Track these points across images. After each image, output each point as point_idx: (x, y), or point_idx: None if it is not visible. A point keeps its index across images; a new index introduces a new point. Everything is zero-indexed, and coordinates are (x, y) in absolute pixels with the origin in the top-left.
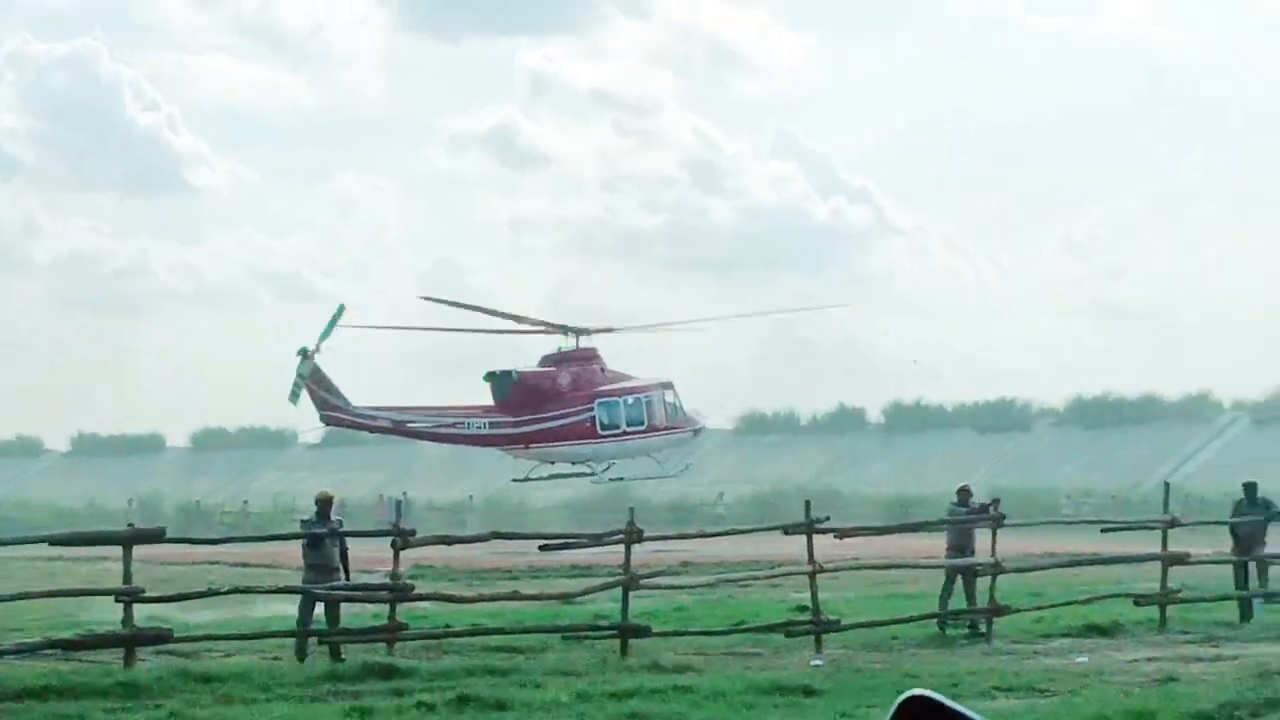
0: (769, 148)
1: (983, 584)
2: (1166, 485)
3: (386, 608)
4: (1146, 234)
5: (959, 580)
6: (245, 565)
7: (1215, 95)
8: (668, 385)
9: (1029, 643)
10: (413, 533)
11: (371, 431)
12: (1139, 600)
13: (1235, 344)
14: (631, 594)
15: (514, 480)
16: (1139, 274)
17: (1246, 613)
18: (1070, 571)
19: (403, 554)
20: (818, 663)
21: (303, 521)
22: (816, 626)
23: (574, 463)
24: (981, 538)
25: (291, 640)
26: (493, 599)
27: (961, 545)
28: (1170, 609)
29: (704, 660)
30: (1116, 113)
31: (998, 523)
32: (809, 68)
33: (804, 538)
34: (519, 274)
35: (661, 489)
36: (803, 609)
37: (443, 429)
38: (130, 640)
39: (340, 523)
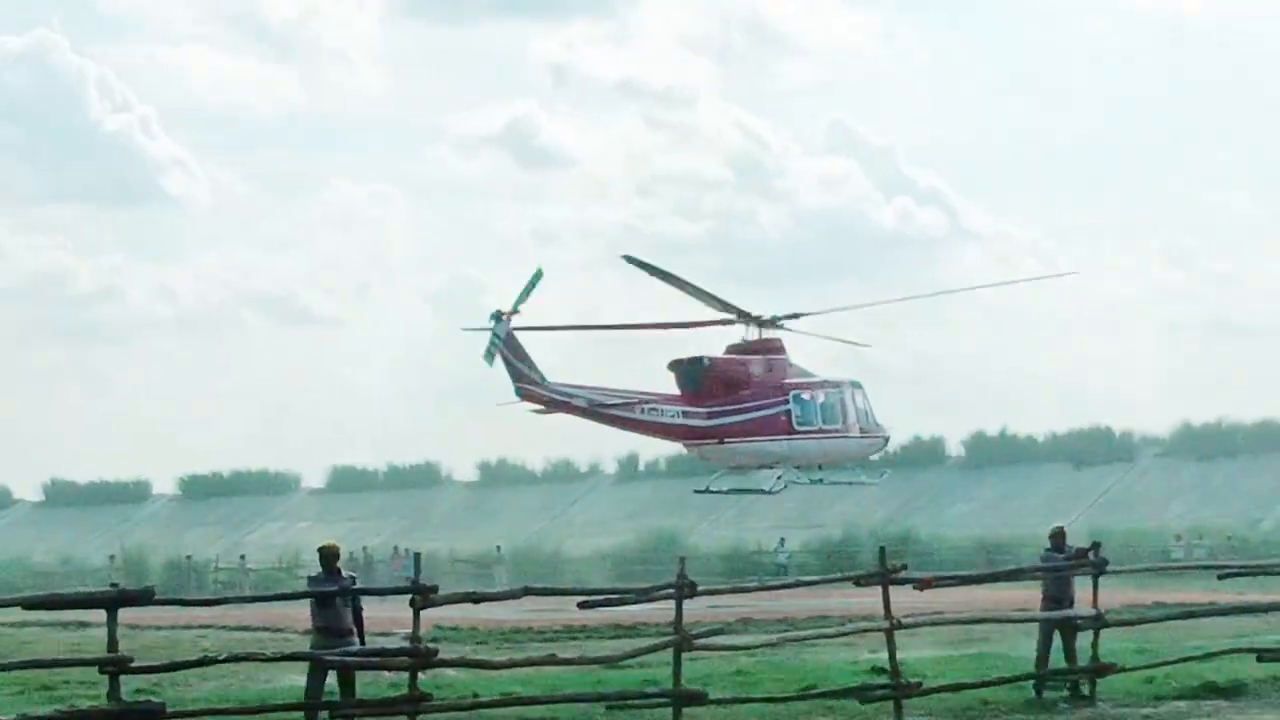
0: (823, 142)
1: (1084, 639)
2: None
3: (406, 676)
4: (1260, 240)
5: (1057, 636)
6: (244, 629)
7: None
8: (858, 385)
9: (1138, 706)
10: (435, 589)
11: (566, 411)
12: (1263, 655)
13: None
14: (684, 656)
15: (695, 491)
16: (1252, 285)
17: None
18: (1183, 624)
19: (424, 614)
20: None
21: (309, 578)
22: (896, 690)
23: (766, 464)
24: (1081, 587)
25: (299, 714)
26: (527, 664)
27: (1058, 596)
28: None
29: None
30: (1226, 102)
31: (1099, 569)
32: (868, 50)
33: (878, 589)
34: (544, 290)
35: (715, 535)
36: (879, 670)
37: (639, 414)
38: (117, 717)
39: (353, 579)
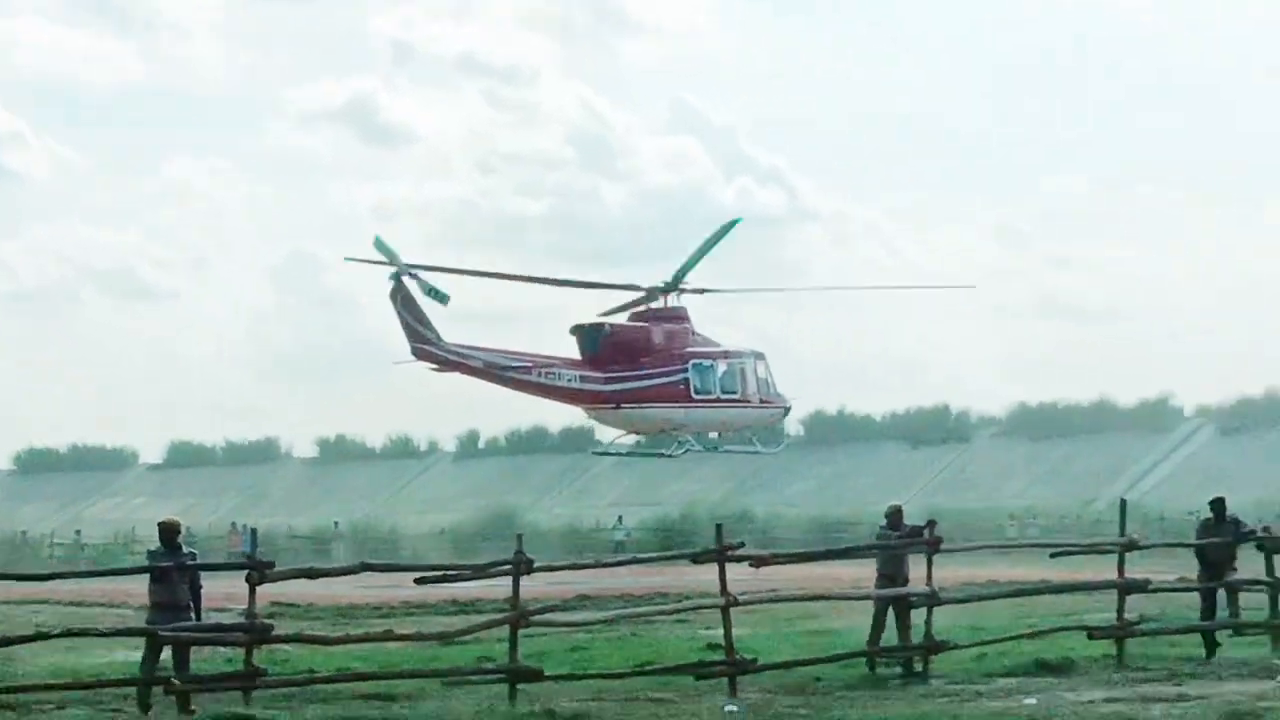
0: (665, 121)
1: (917, 617)
2: (1123, 502)
3: (242, 651)
4: (1094, 222)
5: (890, 613)
6: (79, 604)
7: (1167, 69)
8: (760, 355)
9: (970, 683)
10: (271, 565)
11: (462, 372)
12: (1093, 633)
13: (1196, 344)
14: (521, 632)
15: (594, 453)
16: (1086, 267)
17: (1214, 646)
18: (1016, 602)
19: (260, 589)
20: (732, 708)
21: (148, 553)
22: (731, 667)
23: (665, 430)
24: (916, 565)
25: (133, 690)
26: (363, 640)
27: (893, 573)
28: (1128, 643)
29: (604, 706)
30: (1061, 86)
31: (934, 547)
32: (709, 29)
33: (715, 567)
34: (380, 267)
35: (553, 513)
36: (715, 648)
37: (536, 377)
38: None
39: (192, 555)
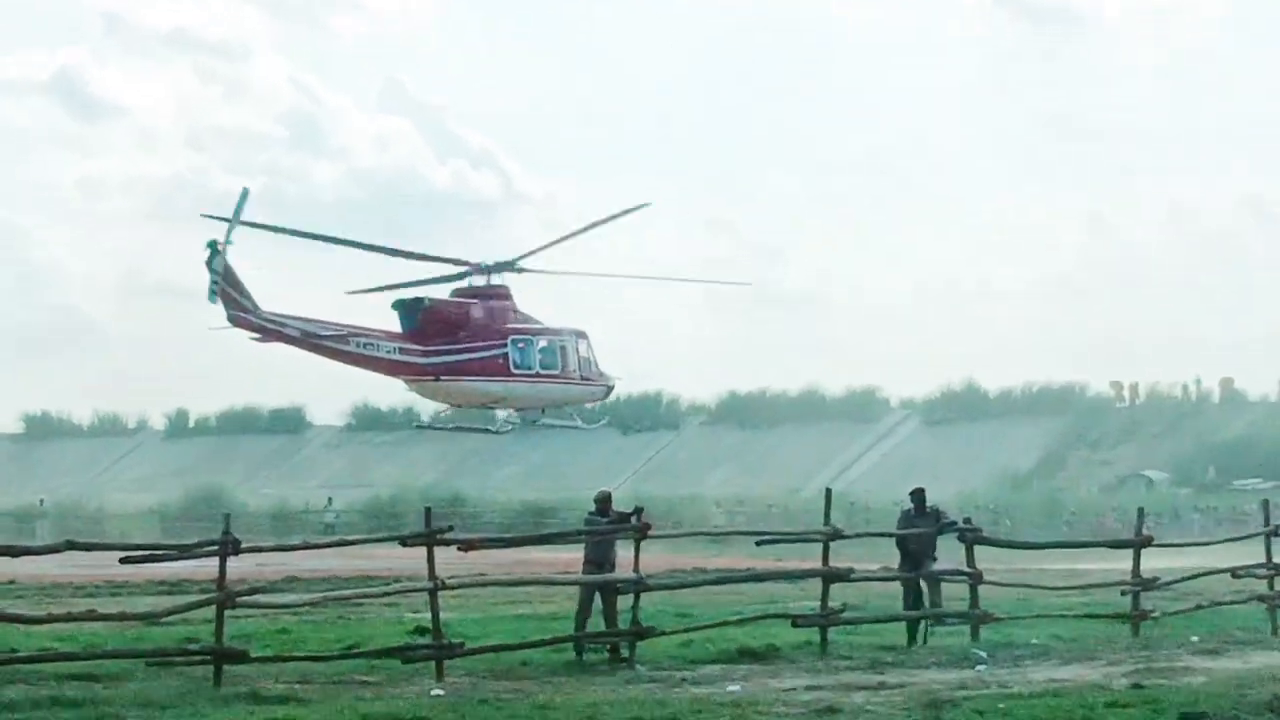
0: (376, 101)
1: (624, 603)
2: (828, 492)
3: None
4: (803, 216)
5: (598, 598)
6: None
7: (886, 66)
8: (582, 334)
9: (676, 669)
10: None
11: (278, 340)
12: (797, 621)
13: (901, 336)
14: (227, 614)
15: (416, 426)
16: (796, 259)
17: (915, 635)
18: (722, 589)
19: None
20: (439, 692)
21: None
22: (438, 651)
23: (484, 404)
24: (623, 551)
25: None
26: (66, 619)
27: (601, 559)
28: (832, 631)
29: (310, 689)
30: (777, 83)
31: (641, 534)
32: (421, 8)
33: (424, 550)
34: (91, 242)
35: (263, 493)
36: (422, 631)
37: (353, 347)
38: None
39: None
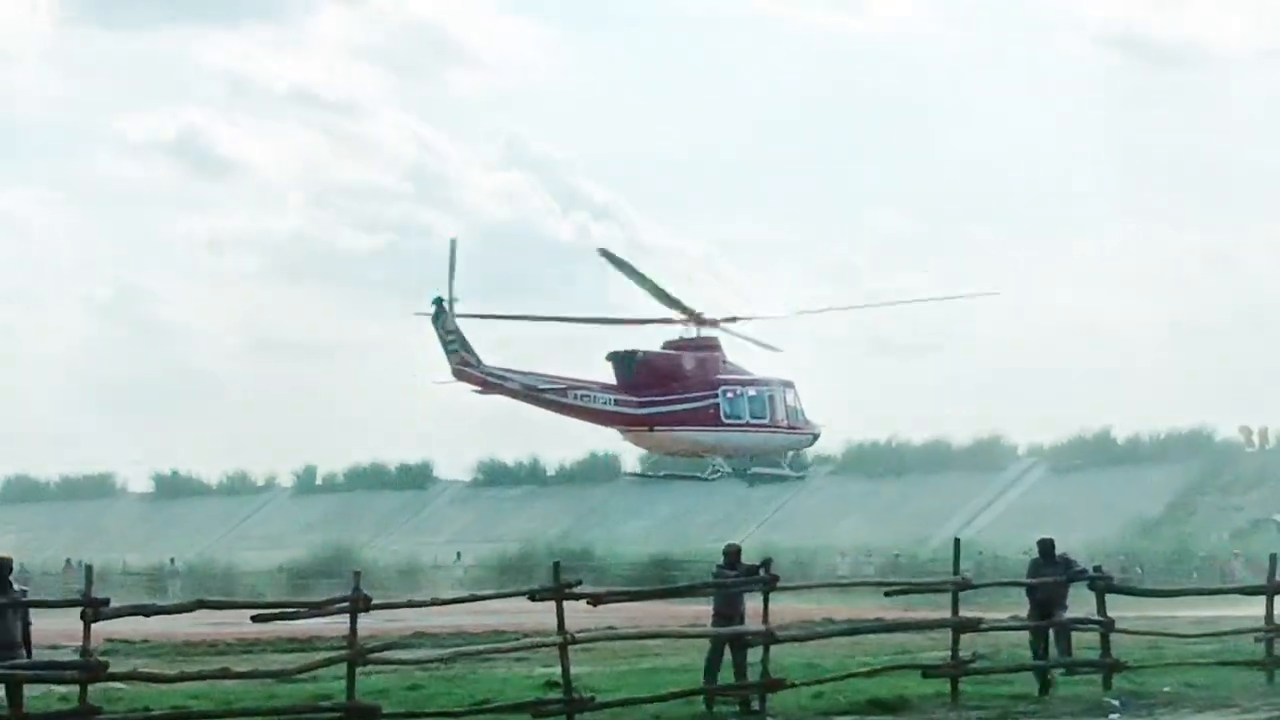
0: (499, 156)
1: (754, 655)
2: (957, 541)
3: (76, 689)
4: (922, 257)
5: (727, 651)
6: None
7: (1000, 109)
8: (789, 384)
9: None
10: (106, 602)
11: (501, 393)
12: (927, 672)
13: (1026, 382)
14: (358, 670)
15: (626, 475)
16: (914, 304)
17: (1046, 685)
18: (851, 640)
19: (94, 627)
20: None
21: None
22: (569, 705)
23: (695, 453)
24: (752, 603)
25: None
26: (199, 677)
27: (729, 612)
28: (962, 681)
29: None
30: (895, 118)
31: (770, 586)
32: (542, 63)
33: (553, 604)
34: (214, 300)
35: (390, 550)
36: (553, 685)
37: (572, 399)
38: None
39: (24, 592)
